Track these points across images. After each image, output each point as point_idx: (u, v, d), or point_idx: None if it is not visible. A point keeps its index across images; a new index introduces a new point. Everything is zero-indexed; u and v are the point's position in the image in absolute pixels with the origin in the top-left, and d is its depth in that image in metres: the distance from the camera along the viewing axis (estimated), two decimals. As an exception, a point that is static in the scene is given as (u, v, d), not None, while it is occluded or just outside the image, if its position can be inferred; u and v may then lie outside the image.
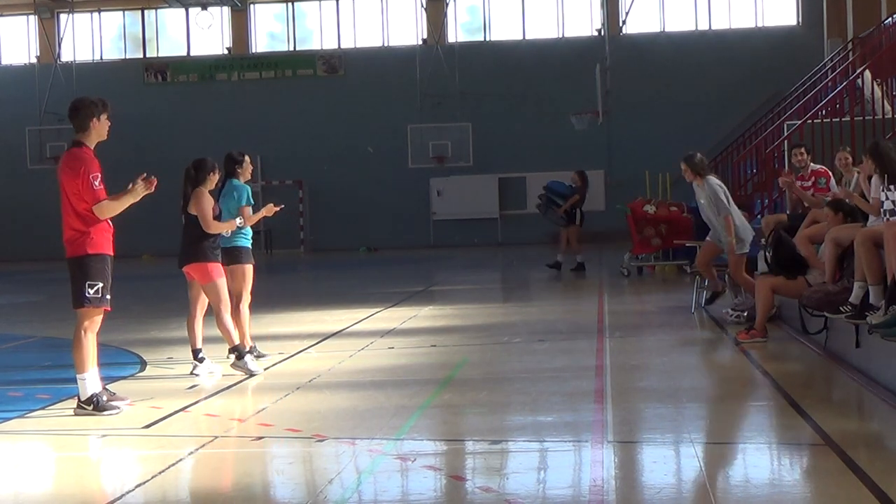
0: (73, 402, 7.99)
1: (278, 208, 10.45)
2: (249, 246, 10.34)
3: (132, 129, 32.99)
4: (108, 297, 7.91)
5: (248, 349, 10.00)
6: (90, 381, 7.90)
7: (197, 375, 9.54)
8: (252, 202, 10.23)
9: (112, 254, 7.97)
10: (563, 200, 20.79)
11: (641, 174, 27.39)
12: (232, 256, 10.09)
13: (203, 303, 9.77)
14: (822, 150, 15.01)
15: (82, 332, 7.86)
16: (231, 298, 9.87)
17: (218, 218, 9.75)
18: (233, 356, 9.61)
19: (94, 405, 7.86)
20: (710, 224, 12.38)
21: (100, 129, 7.94)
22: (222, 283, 9.64)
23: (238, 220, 10.02)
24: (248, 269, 10.27)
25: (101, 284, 7.81)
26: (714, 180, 12.24)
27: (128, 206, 7.86)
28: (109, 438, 7.21)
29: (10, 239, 36.28)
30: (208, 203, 9.64)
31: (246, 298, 10.24)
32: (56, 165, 8.13)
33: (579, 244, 20.99)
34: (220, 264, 9.68)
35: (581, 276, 20.07)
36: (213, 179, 9.81)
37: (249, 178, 10.47)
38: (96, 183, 7.73)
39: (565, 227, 20.91)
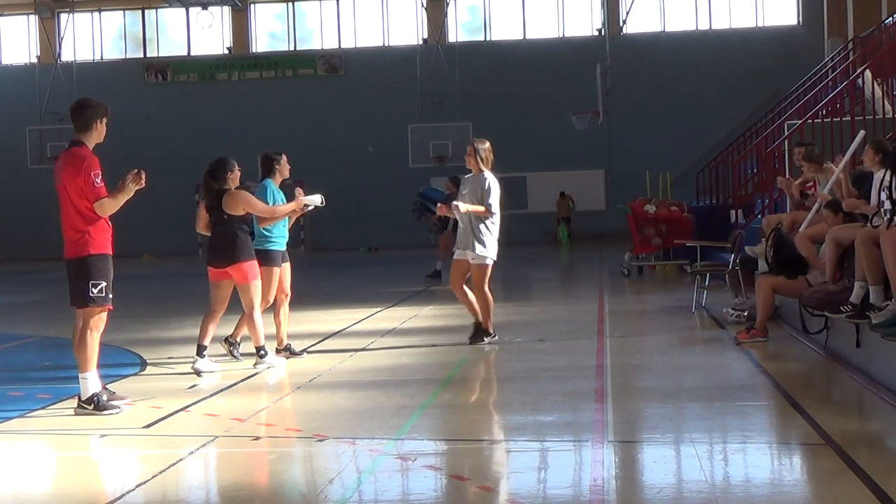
0: (74, 402, 8.00)
1: (309, 201, 10.25)
2: (281, 249, 10.44)
3: (132, 129, 33.02)
4: (111, 295, 7.96)
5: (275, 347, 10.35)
6: (92, 380, 7.93)
7: (200, 370, 9.63)
8: (277, 203, 10.30)
9: (112, 253, 8.00)
10: (436, 207, 20.61)
11: (641, 174, 27.41)
12: (261, 259, 10.20)
13: (224, 305, 9.87)
14: (823, 150, 14.98)
15: (88, 331, 7.89)
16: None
17: (249, 219, 9.88)
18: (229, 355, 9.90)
19: (94, 405, 7.87)
20: (463, 228, 10.78)
21: (100, 132, 8.02)
22: (258, 283, 9.78)
23: (308, 199, 10.14)
24: (275, 271, 10.35)
25: (104, 283, 7.87)
26: (493, 176, 10.79)
27: (123, 202, 7.87)
28: (109, 438, 7.21)
29: (10, 239, 36.30)
30: (253, 197, 9.75)
31: (269, 300, 10.38)
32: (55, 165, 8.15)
33: (446, 251, 20.36)
34: (256, 262, 9.82)
35: (436, 283, 19.47)
36: (234, 178, 9.84)
37: (287, 175, 10.59)
38: (97, 181, 7.79)
39: (439, 233, 20.48)
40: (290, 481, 6.10)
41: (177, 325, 13.81)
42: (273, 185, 10.45)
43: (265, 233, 10.27)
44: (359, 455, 6.47)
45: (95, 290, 7.82)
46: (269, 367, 9.84)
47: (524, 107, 35.67)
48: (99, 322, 7.95)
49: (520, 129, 35.71)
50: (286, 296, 10.60)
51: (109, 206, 7.81)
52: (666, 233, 19.16)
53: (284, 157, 10.59)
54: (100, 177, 7.80)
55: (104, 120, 8.01)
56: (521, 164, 35.68)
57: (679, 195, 25.26)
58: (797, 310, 10.29)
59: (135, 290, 19.53)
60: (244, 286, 9.74)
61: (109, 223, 7.99)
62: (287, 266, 10.62)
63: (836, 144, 15.64)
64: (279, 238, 10.40)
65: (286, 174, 10.58)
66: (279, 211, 10.07)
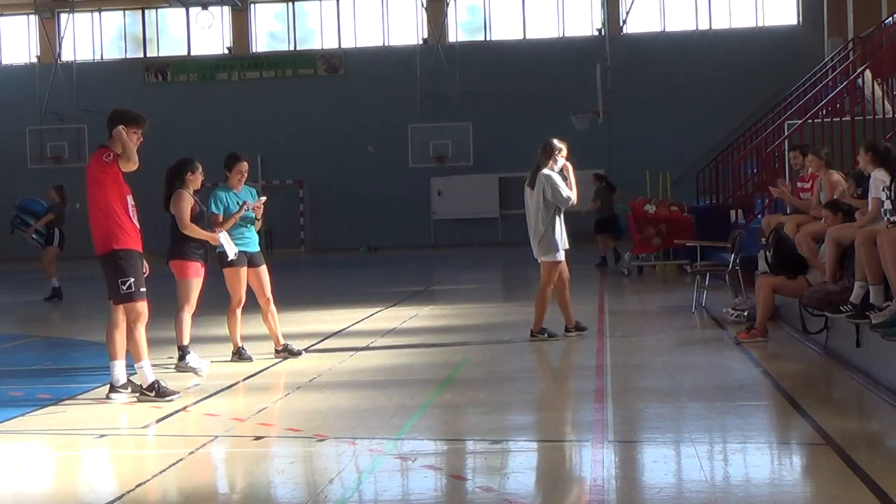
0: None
1: (256, 205, 10.28)
2: (245, 250, 10.30)
3: (132, 128, 32.94)
4: (143, 289, 8.33)
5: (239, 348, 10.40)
6: (147, 368, 8.26)
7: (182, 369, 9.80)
8: (217, 210, 10.19)
9: (140, 250, 8.36)
10: (35, 220, 18.47)
11: (641, 174, 27.39)
12: (223, 260, 10.23)
13: (190, 302, 9.94)
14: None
15: (132, 325, 8.26)
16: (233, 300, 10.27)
17: (200, 220, 9.89)
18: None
19: (156, 391, 8.20)
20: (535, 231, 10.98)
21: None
22: (195, 283, 9.89)
23: (221, 234, 10.04)
24: (241, 272, 10.25)
25: (131, 279, 8.22)
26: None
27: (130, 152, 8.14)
28: (109, 438, 7.21)
29: (10, 239, 36.22)
30: (187, 204, 9.79)
31: (240, 299, 10.30)
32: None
33: (53, 267, 18.11)
34: (198, 264, 9.89)
35: (56, 301, 17.43)
36: (195, 180, 9.90)
37: (198, 187, 10.08)
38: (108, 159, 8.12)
39: (42, 248, 18.52)
40: (290, 481, 6.09)
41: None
42: (220, 192, 10.30)
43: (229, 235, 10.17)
44: (359, 455, 6.47)
45: (124, 287, 8.17)
46: (188, 369, 9.80)
47: (524, 107, 35.63)
48: (136, 315, 8.28)
49: (520, 129, 35.66)
50: (267, 300, 10.39)
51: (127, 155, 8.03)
52: (666, 233, 19.17)
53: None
54: (111, 156, 8.06)
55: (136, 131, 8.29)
56: (521, 164, 35.47)
57: (679, 195, 25.26)
58: (797, 310, 10.29)
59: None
60: (178, 282, 9.97)
61: (134, 222, 8.29)
62: (263, 269, 10.42)
63: (836, 144, 15.64)
64: (240, 240, 10.27)
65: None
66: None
